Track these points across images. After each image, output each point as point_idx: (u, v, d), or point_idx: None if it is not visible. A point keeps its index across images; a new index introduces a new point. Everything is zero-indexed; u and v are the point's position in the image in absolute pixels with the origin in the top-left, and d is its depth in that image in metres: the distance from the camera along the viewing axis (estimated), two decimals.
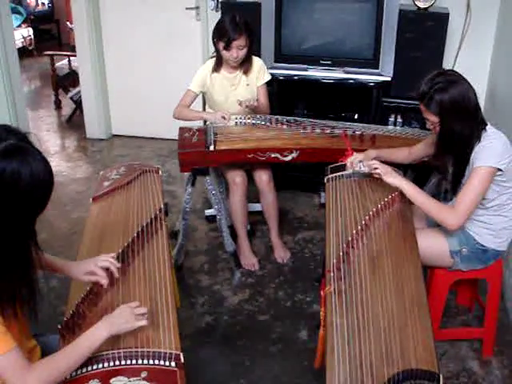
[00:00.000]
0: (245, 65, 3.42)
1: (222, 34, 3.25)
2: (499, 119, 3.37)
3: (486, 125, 2.38)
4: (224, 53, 3.30)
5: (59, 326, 1.76)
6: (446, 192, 3.22)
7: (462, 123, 2.31)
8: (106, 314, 1.71)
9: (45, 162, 1.50)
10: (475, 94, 2.33)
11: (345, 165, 2.76)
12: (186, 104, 3.44)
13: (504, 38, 3.92)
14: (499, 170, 2.28)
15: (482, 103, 2.41)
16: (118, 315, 1.67)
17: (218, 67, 3.42)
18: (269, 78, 3.54)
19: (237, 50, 3.27)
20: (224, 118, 3.30)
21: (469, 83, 2.32)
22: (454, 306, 3.08)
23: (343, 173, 2.72)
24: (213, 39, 3.35)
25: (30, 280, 1.59)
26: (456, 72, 2.38)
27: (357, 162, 2.69)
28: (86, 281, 1.91)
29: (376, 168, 2.52)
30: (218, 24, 3.36)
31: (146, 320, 1.68)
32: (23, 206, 1.46)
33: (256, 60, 3.49)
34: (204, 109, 3.74)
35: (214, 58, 3.44)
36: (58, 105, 6.57)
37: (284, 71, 3.90)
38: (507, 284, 3.09)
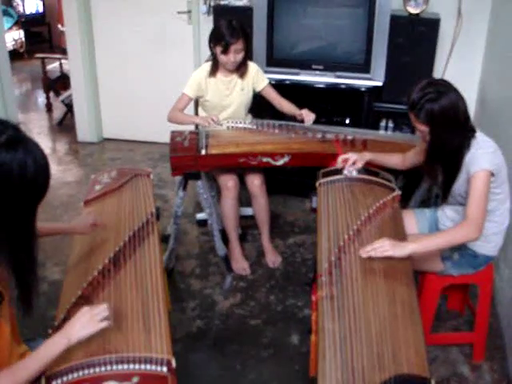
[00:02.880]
0: (241, 68, 3.42)
1: (219, 39, 3.26)
2: (489, 125, 3.39)
3: (475, 132, 2.39)
4: (222, 57, 3.30)
5: (50, 331, 1.75)
6: (437, 197, 3.24)
7: (451, 133, 2.31)
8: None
9: (40, 148, 1.54)
10: (465, 104, 2.33)
11: (337, 170, 2.77)
12: (179, 108, 3.44)
13: (494, 43, 3.94)
14: (492, 174, 2.29)
15: (472, 109, 2.42)
16: (77, 321, 1.63)
17: (214, 71, 3.42)
18: (267, 80, 3.56)
19: (234, 54, 3.28)
20: (213, 120, 3.30)
21: (459, 93, 2.32)
22: (444, 311, 3.08)
23: (335, 177, 2.72)
24: (209, 44, 3.35)
25: (34, 274, 1.61)
26: (446, 81, 2.38)
27: (350, 163, 2.72)
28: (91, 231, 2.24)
29: (385, 250, 2.18)
30: (214, 29, 3.37)
31: (107, 321, 1.65)
32: (29, 193, 1.49)
33: (251, 65, 3.49)
34: (196, 113, 3.74)
35: (210, 62, 3.44)
36: (49, 108, 6.55)
37: (276, 75, 3.90)
38: (498, 289, 3.10)
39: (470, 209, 2.27)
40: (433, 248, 2.34)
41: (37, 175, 1.49)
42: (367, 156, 2.81)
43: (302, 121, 3.39)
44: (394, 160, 2.85)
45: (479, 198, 2.26)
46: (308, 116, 3.38)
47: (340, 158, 2.77)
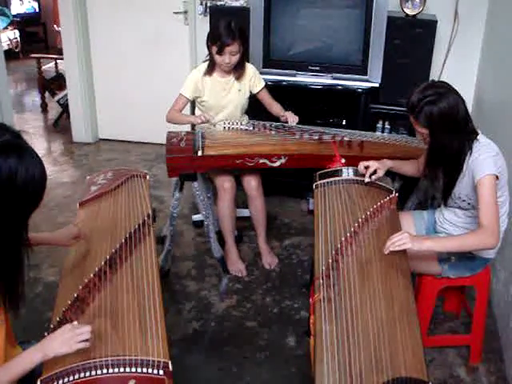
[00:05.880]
0: (238, 71, 3.41)
1: (215, 39, 3.25)
2: (486, 126, 3.38)
3: (477, 134, 2.38)
4: (217, 57, 3.30)
5: (46, 334, 1.73)
6: (433, 198, 3.24)
7: (451, 135, 2.30)
8: (93, 321, 1.70)
9: (39, 159, 1.53)
10: (465, 106, 2.32)
11: (336, 170, 2.76)
12: (177, 109, 3.43)
13: (491, 45, 3.95)
14: (497, 177, 2.27)
15: (469, 110, 2.40)
16: (57, 337, 1.60)
17: (210, 71, 3.41)
18: (263, 83, 3.56)
19: (229, 56, 3.27)
20: (205, 117, 3.29)
21: (459, 95, 2.31)
22: (441, 313, 3.08)
23: (332, 179, 2.71)
24: (207, 42, 3.35)
25: (19, 278, 1.60)
26: (446, 83, 2.37)
27: (372, 169, 2.67)
28: (74, 243, 2.19)
29: (404, 243, 2.19)
30: (212, 28, 3.38)
31: (86, 343, 1.60)
32: (18, 202, 1.48)
33: (249, 67, 3.49)
34: (193, 114, 3.73)
35: (207, 62, 3.43)
36: (45, 108, 6.53)
37: (272, 77, 3.89)
38: (494, 291, 3.10)
39: (482, 217, 2.23)
40: (448, 249, 2.36)
41: (27, 186, 1.47)
42: (388, 164, 2.76)
43: (286, 122, 3.40)
44: (411, 167, 2.82)
45: (490, 205, 2.23)
46: (291, 118, 3.38)
47: (362, 165, 2.72)
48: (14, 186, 1.44)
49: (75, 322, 1.67)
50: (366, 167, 2.70)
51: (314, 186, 2.71)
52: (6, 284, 1.59)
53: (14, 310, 1.65)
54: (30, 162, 1.48)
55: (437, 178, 2.56)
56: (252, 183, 3.40)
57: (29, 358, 1.57)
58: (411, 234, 2.22)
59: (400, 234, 2.19)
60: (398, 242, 2.16)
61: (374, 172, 2.68)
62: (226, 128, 3.33)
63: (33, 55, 6.58)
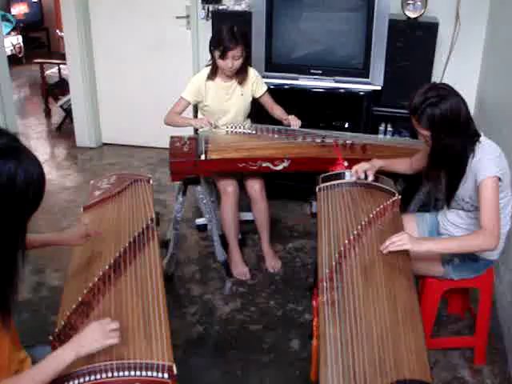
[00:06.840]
0: (240, 75, 3.43)
1: (218, 43, 3.27)
2: (488, 127, 3.38)
3: (479, 136, 2.38)
4: (219, 62, 3.31)
5: (51, 338, 1.74)
6: (437, 200, 3.24)
7: (453, 137, 2.30)
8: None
9: (37, 161, 1.52)
10: (467, 108, 2.32)
11: (338, 173, 2.77)
12: (177, 111, 3.45)
13: (493, 46, 3.95)
14: (499, 179, 2.28)
15: (471, 112, 2.41)
16: (88, 334, 1.61)
17: (213, 75, 3.42)
18: (266, 87, 3.57)
19: (232, 60, 3.28)
20: (209, 123, 3.30)
21: (461, 97, 2.31)
22: (445, 315, 3.08)
23: (335, 182, 2.72)
24: (209, 47, 3.37)
25: (11, 283, 1.57)
26: (448, 86, 2.37)
27: (362, 171, 2.69)
28: (84, 242, 2.18)
29: (403, 244, 2.18)
30: (215, 33, 3.40)
31: (117, 338, 1.62)
32: (18, 205, 1.46)
33: (251, 71, 3.51)
34: (196, 117, 3.74)
35: (210, 67, 3.45)
36: (48, 113, 6.55)
37: (275, 80, 3.89)
38: (498, 292, 3.10)
39: (483, 219, 2.23)
40: (447, 250, 2.37)
41: (27, 188, 1.45)
42: (378, 163, 2.76)
43: (289, 126, 3.40)
44: (402, 165, 2.83)
45: (491, 207, 2.23)
46: (294, 121, 3.39)
47: (353, 170, 2.72)
48: (14, 188, 1.43)
49: (104, 320, 1.67)
50: (356, 172, 2.71)
51: (316, 189, 2.71)
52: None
53: (4, 317, 1.58)
54: (29, 164, 1.47)
55: (439, 180, 2.57)
56: (255, 187, 3.40)
57: (61, 359, 1.55)
58: (410, 235, 2.23)
59: (400, 234, 2.20)
60: (397, 242, 2.17)
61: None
62: (229, 132, 3.34)
63: (36, 60, 6.60)
